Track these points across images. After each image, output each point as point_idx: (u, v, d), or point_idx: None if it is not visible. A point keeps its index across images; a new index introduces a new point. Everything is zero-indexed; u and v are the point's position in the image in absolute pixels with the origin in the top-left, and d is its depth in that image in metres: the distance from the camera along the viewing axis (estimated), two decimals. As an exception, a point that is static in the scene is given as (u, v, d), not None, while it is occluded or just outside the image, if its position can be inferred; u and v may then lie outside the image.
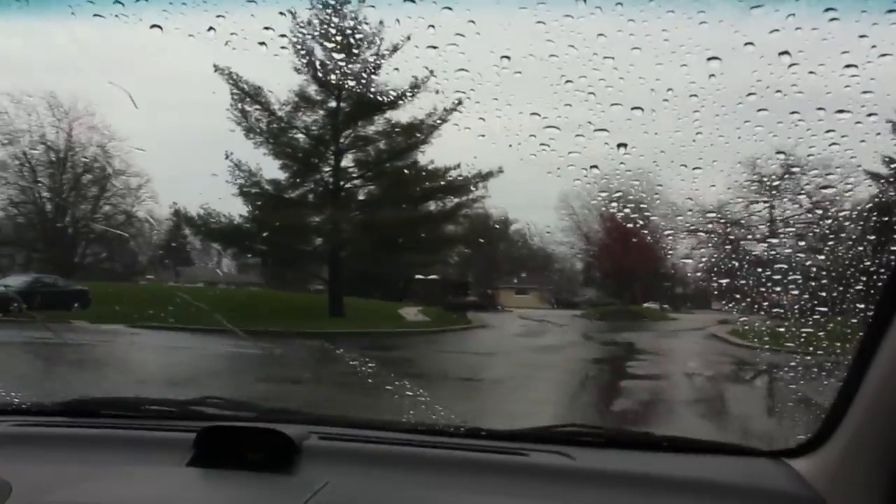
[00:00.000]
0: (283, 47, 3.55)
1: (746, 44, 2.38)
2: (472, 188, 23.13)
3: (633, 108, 2.99)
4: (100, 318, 17.30)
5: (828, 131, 2.46)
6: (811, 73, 2.33)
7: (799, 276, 2.81)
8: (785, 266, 2.83)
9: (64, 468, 1.77)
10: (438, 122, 21.04)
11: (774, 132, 3.01)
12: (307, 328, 17.40)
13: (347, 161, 24.35)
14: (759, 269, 2.89)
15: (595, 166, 3.40)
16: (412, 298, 27.99)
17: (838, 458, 1.60)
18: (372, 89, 20.26)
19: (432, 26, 3.01)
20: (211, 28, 2.96)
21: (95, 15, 3.02)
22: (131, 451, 1.88)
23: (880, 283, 1.59)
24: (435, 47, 3.25)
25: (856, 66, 2.15)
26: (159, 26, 3.04)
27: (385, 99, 20.21)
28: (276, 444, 1.79)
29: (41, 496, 1.56)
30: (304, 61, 21.15)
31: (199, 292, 23.65)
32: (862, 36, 2.05)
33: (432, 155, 23.05)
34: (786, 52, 2.28)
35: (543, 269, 39.45)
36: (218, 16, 2.91)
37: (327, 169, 24.22)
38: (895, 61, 2.06)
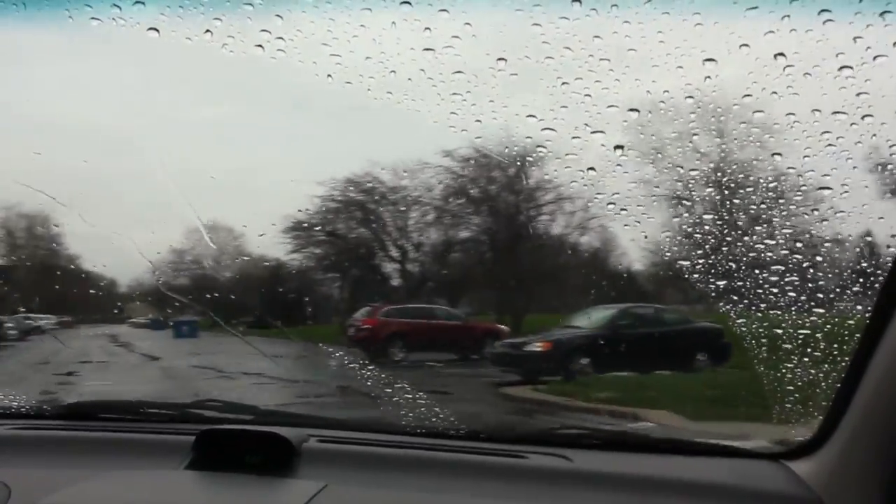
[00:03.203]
0: (279, 50, 3.57)
1: (742, 45, 2.39)
2: None
3: (629, 110, 2.99)
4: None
5: (824, 132, 2.46)
6: (806, 74, 2.34)
7: (796, 278, 2.81)
8: (782, 267, 2.83)
9: (62, 471, 1.76)
10: None
11: (770, 134, 3.02)
12: None
13: None
14: (757, 271, 2.89)
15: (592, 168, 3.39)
16: None
17: (837, 460, 1.60)
18: None
19: (428, 29, 3.01)
20: (208, 31, 2.97)
21: (93, 18, 3.03)
22: (130, 454, 1.88)
23: (878, 286, 1.59)
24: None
25: (851, 67, 2.16)
26: (156, 29, 3.05)
27: None
28: (274, 447, 1.78)
29: (39, 499, 1.55)
30: None
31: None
32: (857, 38, 2.06)
33: None
34: (781, 54, 2.29)
35: None
36: (215, 18, 2.91)
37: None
38: (890, 62, 2.07)
